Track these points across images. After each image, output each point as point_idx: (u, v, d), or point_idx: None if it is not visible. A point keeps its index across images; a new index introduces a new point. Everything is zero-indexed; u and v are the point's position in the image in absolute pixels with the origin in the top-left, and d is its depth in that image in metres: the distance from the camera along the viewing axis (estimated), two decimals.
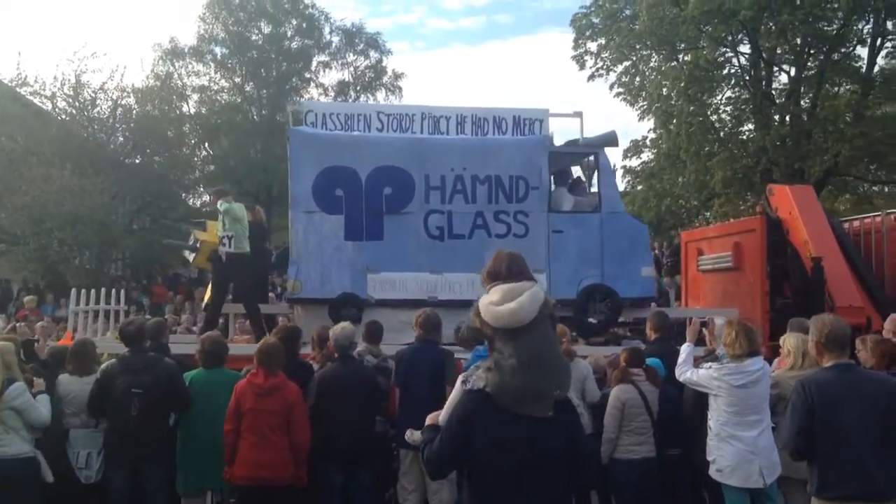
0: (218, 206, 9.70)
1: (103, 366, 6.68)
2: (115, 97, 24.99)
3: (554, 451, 3.49)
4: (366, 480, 6.79)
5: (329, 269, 9.90)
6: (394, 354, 7.24)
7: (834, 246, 10.92)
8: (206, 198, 32.88)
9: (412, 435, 3.93)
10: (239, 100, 32.91)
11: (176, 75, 31.96)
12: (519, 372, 3.43)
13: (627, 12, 27.99)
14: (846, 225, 11.93)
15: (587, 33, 29.51)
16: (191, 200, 31.59)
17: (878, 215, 11.58)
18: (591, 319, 10.07)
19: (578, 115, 11.17)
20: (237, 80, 33.02)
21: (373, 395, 6.85)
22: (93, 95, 24.34)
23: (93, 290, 10.66)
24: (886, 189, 28.31)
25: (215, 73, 32.99)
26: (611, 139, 10.84)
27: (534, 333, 3.49)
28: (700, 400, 6.68)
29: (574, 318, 9.91)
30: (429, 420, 3.81)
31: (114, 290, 11.04)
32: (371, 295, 9.87)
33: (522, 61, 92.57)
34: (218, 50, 32.82)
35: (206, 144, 32.39)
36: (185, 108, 31.85)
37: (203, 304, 11.68)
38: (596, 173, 10.63)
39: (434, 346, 7.02)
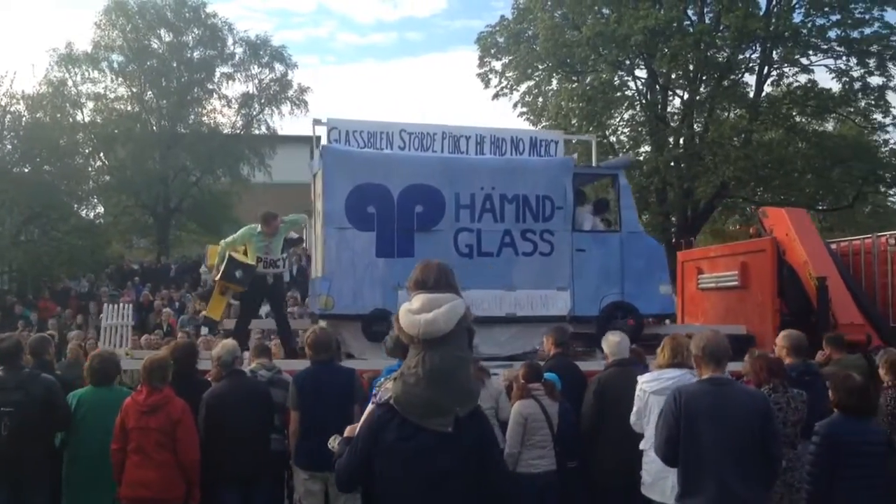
0: (280, 228, 9.86)
1: None
2: (3, 103, 24.00)
3: (460, 465, 3.48)
4: (263, 499, 6.65)
5: (361, 285, 9.83)
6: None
7: (832, 266, 11.37)
8: (101, 209, 32.00)
9: (334, 441, 3.90)
10: (137, 109, 32.06)
11: (70, 82, 30.93)
12: (421, 382, 3.42)
13: (530, 32, 28.57)
14: (833, 246, 12.48)
15: (492, 51, 29.98)
16: (84, 211, 30.61)
17: (869, 238, 12.18)
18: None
19: (591, 138, 11.86)
20: (135, 89, 32.16)
21: (265, 410, 6.72)
22: None
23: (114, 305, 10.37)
24: None
25: (112, 81, 32.10)
26: (629, 162, 11.13)
27: (446, 347, 3.49)
28: (599, 414, 6.84)
29: (597, 334, 10.10)
30: (346, 432, 3.77)
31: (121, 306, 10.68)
32: None
33: (433, 78, 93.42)
34: (115, 57, 31.95)
35: (102, 154, 31.46)
36: (79, 117, 30.86)
37: (202, 316, 11.52)
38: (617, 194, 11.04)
39: (335, 366, 6.94)
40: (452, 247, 10.04)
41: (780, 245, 11.65)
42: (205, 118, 33.19)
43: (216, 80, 33.19)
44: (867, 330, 10.58)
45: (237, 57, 33.53)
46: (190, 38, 32.75)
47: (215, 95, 33.32)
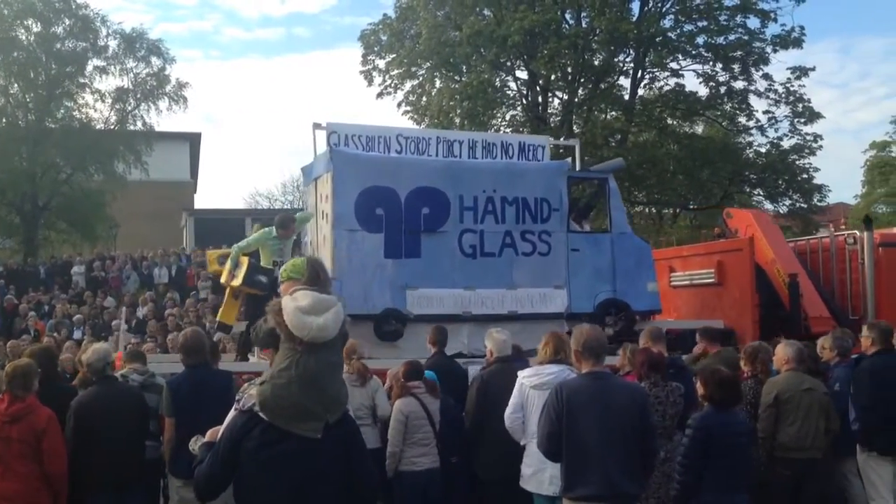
0: (296, 234, 10.08)
1: None
2: None
3: (326, 471, 3.44)
4: None
5: (370, 285, 9.95)
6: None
7: (798, 264, 12.11)
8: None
9: (196, 442, 3.77)
10: (2, 102, 30.52)
11: None
12: (294, 385, 3.39)
13: (413, 31, 28.65)
14: (791, 245, 13.22)
15: (375, 49, 29.89)
16: None
17: (826, 237, 13.00)
18: (607, 330, 10.48)
19: (575, 142, 12.82)
20: (0, 81, 30.54)
21: (139, 416, 6.53)
22: None
23: None
24: (646, 210, 30.96)
25: None
26: (619, 166, 12.41)
27: (323, 352, 3.48)
28: (482, 410, 6.97)
29: None
30: (208, 436, 3.66)
31: None
32: (410, 310, 9.97)
33: (319, 75, 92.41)
34: None
35: None
36: None
37: (216, 321, 11.09)
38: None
39: (211, 370, 6.80)
40: (457, 247, 10.35)
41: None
42: (76, 113, 31.85)
43: (88, 73, 31.92)
44: (833, 323, 11.32)
45: (111, 50, 32.30)
46: (60, 28, 31.36)
47: (87, 90, 32.04)
